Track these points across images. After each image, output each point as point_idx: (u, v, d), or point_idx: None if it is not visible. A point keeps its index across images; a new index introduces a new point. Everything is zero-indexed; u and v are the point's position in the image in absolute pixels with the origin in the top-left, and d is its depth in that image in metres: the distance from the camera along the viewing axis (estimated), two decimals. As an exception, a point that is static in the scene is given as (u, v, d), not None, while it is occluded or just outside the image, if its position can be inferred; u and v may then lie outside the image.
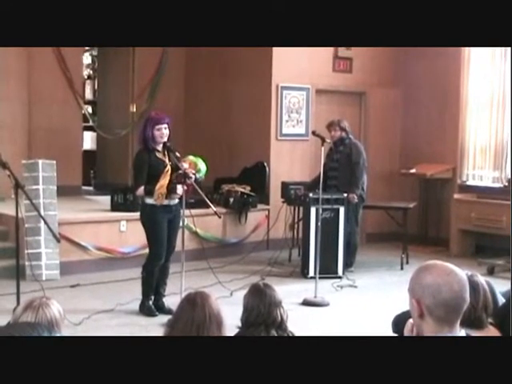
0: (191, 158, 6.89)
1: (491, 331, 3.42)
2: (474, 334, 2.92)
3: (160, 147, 6.67)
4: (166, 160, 6.65)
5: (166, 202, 6.62)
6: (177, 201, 6.71)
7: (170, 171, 6.59)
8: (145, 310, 6.80)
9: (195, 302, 3.08)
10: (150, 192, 6.57)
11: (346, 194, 8.55)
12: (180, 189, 6.50)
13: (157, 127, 6.58)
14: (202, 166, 6.86)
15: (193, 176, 6.56)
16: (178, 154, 6.72)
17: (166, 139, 6.64)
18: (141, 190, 6.64)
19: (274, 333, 3.67)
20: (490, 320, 3.46)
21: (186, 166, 6.62)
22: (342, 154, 8.84)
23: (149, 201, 6.65)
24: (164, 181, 6.55)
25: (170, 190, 6.54)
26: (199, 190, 6.65)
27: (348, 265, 8.81)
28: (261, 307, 3.69)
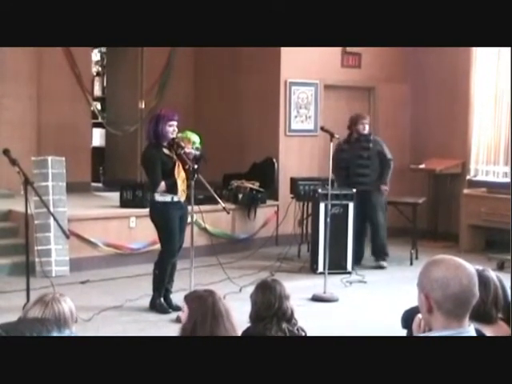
0: (180, 135, 6.84)
1: (501, 326, 3.41)
2: (484, 328, 2.91)
3: (166, 144, 6.71)
4: (174, 156, 6.67)
5: (176, 199, 6.63)
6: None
7: (179, 165, 6.63)
8: (157, 307, 6.80)
9: (203, 297, 3.12)
10: (172, 187, 6.57)
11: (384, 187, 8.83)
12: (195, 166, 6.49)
13: (169, 123, 6.64)
14: (194, 137, 6.93)
15: (192, 151, 6.64)
16: (182, 145, 6.68)
17: (174, 136, 6.68)
18: (162, 186, 6.62)
19: (284, 326, 3.68)
20: (500, 315, 3.45)
21: (187, 150, 6.65)
22: (372, 151, 8.86)
23: (159, 198, 6.65)
24: (181, 176, 6.59)
25: (192, 171, 6.38)
26: (208, 186, 6.66)
27: (379, 257, 8.96)
28: (271, 299, 3.71)
